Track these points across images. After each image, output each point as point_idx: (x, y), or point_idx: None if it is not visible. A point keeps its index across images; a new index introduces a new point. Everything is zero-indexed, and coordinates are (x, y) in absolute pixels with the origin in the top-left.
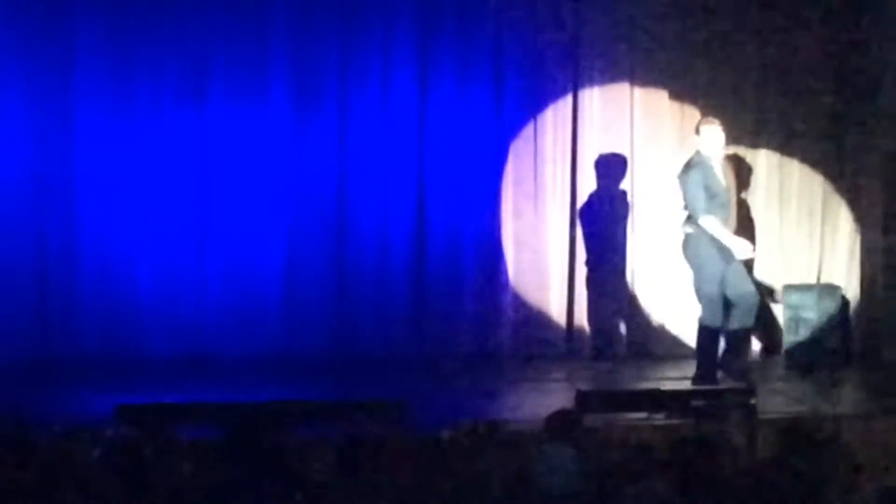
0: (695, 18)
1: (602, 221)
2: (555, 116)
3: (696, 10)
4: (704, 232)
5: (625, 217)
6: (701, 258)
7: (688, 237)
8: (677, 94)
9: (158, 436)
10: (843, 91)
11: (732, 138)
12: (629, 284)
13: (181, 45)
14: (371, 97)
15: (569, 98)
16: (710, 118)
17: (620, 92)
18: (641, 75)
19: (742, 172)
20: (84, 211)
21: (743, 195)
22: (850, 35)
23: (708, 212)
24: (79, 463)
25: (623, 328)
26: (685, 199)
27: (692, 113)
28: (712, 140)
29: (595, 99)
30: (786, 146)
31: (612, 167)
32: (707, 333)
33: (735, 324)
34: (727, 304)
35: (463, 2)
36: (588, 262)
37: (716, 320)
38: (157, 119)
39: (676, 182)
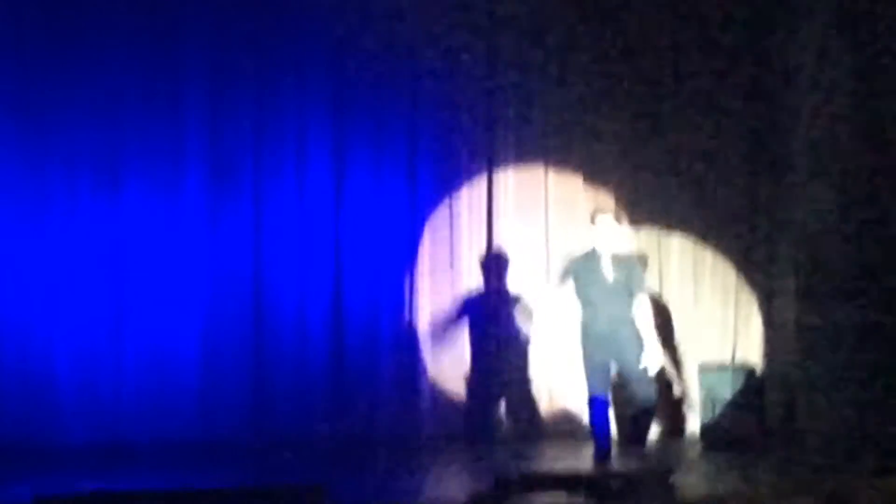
0: (607, 102)
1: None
2: (470, 200)
3: (607, 94)
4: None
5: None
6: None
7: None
8: (591, 179)
9: None
10: (754, 169)
11: (645, 219)
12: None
13: (95, 134)
14: (286, 184)
15: (483, 181)
16: (603, 207)
17: (535, 175)
18: (556, 159)
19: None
20: (1, 299)
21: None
22: (761, 115)
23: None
24: None
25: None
26: None
27: (606, 198)
28: (605, 231)
29: (510, 182)
30: (699, 226)
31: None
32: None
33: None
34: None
35: (377, 88)
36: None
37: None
38: (72, 208)
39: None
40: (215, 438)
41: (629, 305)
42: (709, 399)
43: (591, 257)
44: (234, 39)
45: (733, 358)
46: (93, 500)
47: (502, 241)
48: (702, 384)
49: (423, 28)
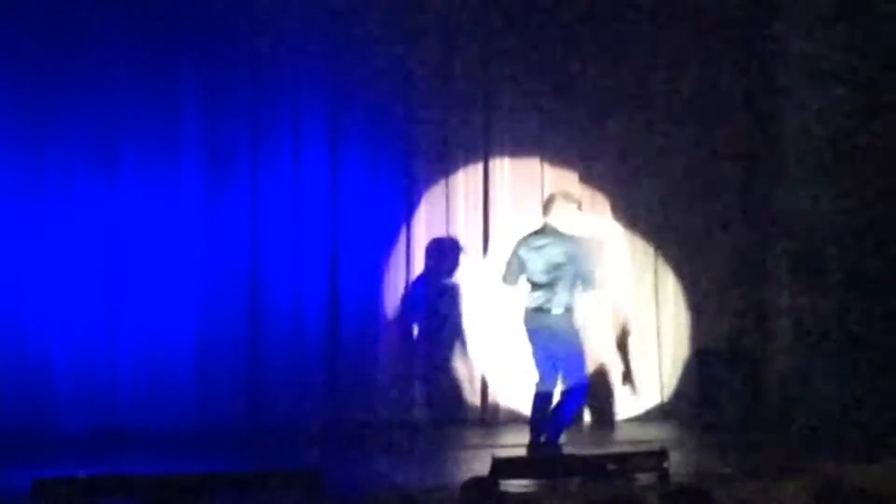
0: (602, 100)
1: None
2: (466, 189)
3: (602, 91)
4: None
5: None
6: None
7: None
8: (586, 174)
9: None
10: (751, 162)
11: (641, 214)
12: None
13: (91, 121)
14: (283, 172)
15: (480, 170)
16: (563, 193)
17: (531, 165)
18: (551, 153)
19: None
20: None
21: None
22: (757, 110)
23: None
24: None
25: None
26: None
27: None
28: (560, 214)
29: (506, 171)
30: (694, 215)
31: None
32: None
33: None
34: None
35: (373, 77)
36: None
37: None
38: (68, 195)
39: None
40: (212, 426)
41: (569, 292)
42: (705, 384)
43: (538, 235)
44: (231, 28)
45: (729, 344)
46: (92, 484)
47: (498, 230)
48: (698, 370)
49: (419, 19)
